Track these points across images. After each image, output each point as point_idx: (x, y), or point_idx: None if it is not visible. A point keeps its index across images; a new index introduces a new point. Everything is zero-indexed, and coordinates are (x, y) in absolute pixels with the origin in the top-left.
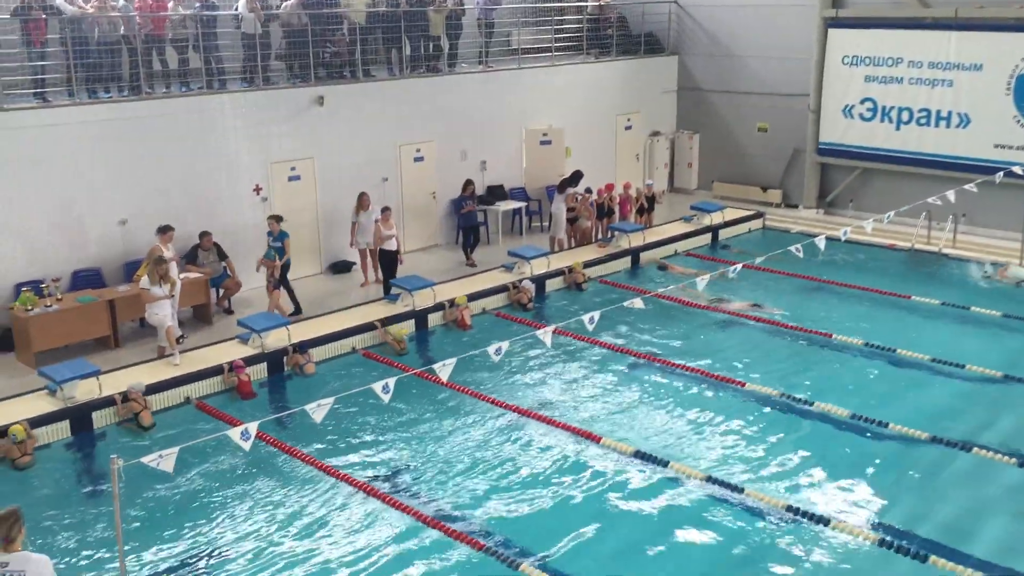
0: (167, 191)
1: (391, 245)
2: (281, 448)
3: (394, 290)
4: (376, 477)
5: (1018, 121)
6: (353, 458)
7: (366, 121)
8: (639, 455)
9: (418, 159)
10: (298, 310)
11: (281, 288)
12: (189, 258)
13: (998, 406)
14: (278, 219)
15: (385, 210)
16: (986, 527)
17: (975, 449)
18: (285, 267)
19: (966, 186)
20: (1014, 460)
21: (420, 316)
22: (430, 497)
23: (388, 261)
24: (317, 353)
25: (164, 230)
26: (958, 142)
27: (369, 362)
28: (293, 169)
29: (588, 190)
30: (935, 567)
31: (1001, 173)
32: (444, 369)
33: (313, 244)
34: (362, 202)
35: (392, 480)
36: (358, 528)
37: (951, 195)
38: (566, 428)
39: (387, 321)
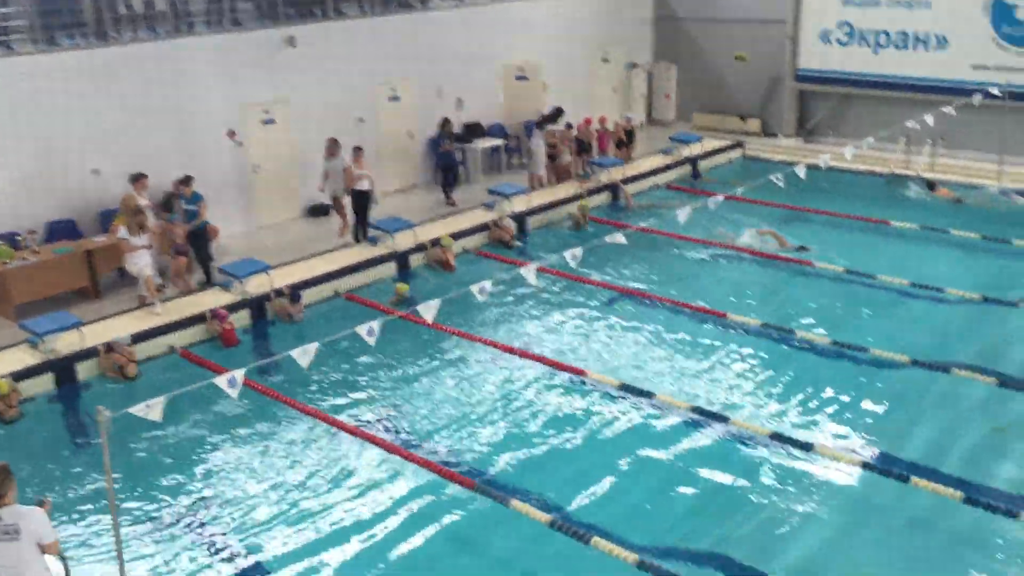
0: (139, 139)
1: (364, 186)
2: (269, 394)
3: (373, 232)
4: (365, 420)
5: (995, 41)
6: (341, 402)
7: (339, 61)
8: (625, 388)
9: (394, 98)
10: (208, 281)
11: (188, 256)
12: (165, 206)
13: (977, 328)
14: (187, 181)
15: (357, 150)
16: (964, 446)
17: (954, 370)
18: (201, 233)
19: (944, 109)
20: (993, 379)
21: (402, 258)
22: (419, 438)
23: (361, 203)
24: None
25: (137, 178)
26: (936, 64)
27: (353, 305)
28: (267, 112)
29: (568, 125)
30: (916, 487)
31: (979, 94)
32: (428, 310)
33: (290, 188)
34: (330, 149)
35: (382, 422)
36: (350, 471)
37: (929, 118)
38: (552, 364)
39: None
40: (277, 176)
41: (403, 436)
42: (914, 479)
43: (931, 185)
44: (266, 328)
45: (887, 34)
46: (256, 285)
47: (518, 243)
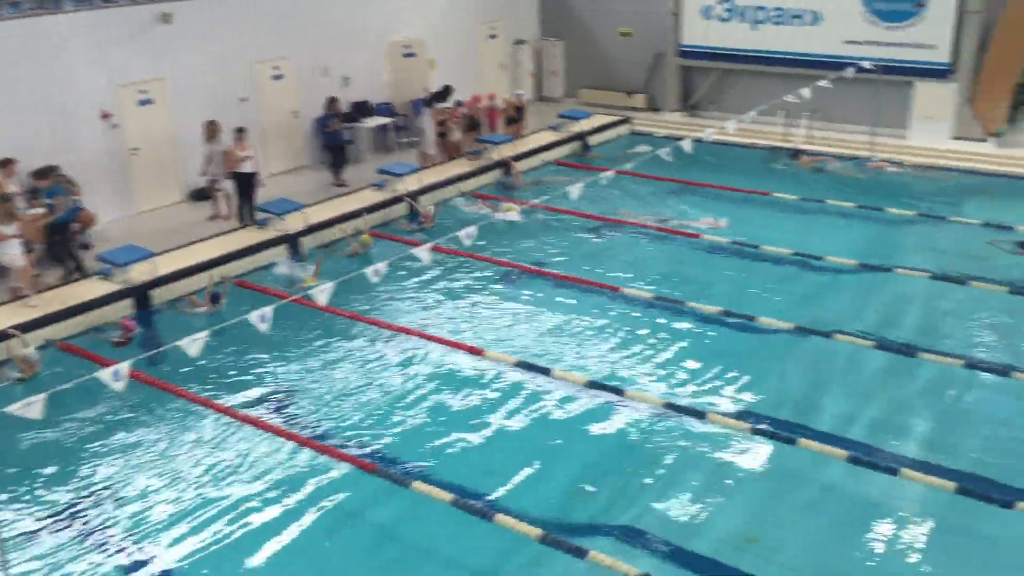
0: (6, 122)
1: (247, 168)
2: (159, 386)
3: (260, 215)
4: (259, 407)
5: (865, 17)
6: (237, 391)
7: (219, 38)
8: (522, 365)
9: (277, 77)
10: (79, 269)
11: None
12: (35, 193)
13: (854, 294)
14: (43, 173)
15: (240, 131)
16: (845, 406)
17: (836, 335)
18: (62, 227)
19: (819, 83)
20: (872, 343)
21: (293, 240)
22: (315, 423)
23: (245, 185)
24: (184, 285)
25: (4, 164)
26: (811, 39)
27: (243, 291)
28: (143, 92)
29: (458, 103)
30: (802, 448)
31: (851, 68)
32: (323, 293)
33: (171, 171)
34: (209, 131)
35: (277, 410)
36: (249, 462)
37: (806, 92)
38: (450, 343)
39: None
40: (157, 159)
41: (302, 423)
42: (802, 441)
43: (794, 154)
44: (151, 317)
45: (764, 10)
46: (139, 273)
47: (415, 226)
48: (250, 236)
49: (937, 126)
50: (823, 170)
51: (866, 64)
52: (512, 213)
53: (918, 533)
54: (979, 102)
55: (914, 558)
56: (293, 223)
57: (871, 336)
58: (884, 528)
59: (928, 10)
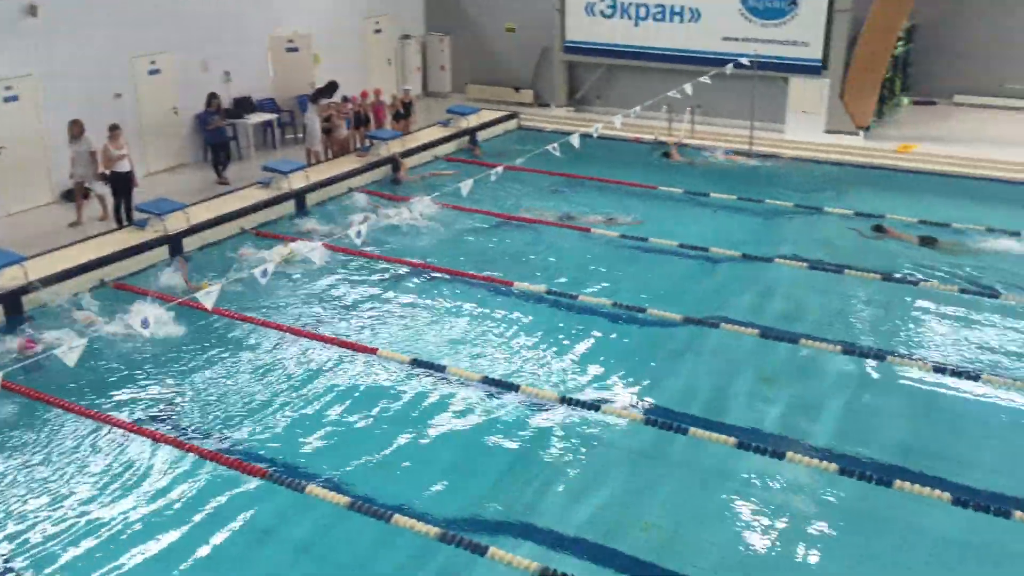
0: None
1: (123, 166)
2: (34, 397)
3: (139, 216)
4: (147, 416)
5: (742, 14)
6: (119, 399)
7: (91, 31)
8: (416, 363)
9: (154, 71)
10: None
11: None
12: None
13: (739, 283)
14: None
15: (113, 128)
16: (734, 395)
17: (723, 325)
18: None
19: (700, 78)
20: (756, 331)
21: (175, 241)
22: (203, 430)
23: (121, 184)
24: (61, 288)
25: None
26: (691, 36)
27: (123, 294)
28: (9, 88)
29: (344, 98)
30: (694, 437)
31: (731, 64)
32: (209, 296)
33: (41, 170)
34: (73, 130)
35: (162, 418)
36: (136, 473)
37: (688, 88)
38: (342, 344)
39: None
40: (25, 158)
41: (190, 430)
42: (692, 430)
43: (666, 154)
44: (23, 324)
45: (646, 7)
46: (9, 278)
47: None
48: (129, 237)
49: (811, 120)
50: (693, 163)
51: (744, 60)
52: (405, 210)
53: (805, 515)
54: (849, 97)
55: (802, 540)
56: (174, 223)
57: (756, 325)
58: (773, 510)
59: (801, 8)
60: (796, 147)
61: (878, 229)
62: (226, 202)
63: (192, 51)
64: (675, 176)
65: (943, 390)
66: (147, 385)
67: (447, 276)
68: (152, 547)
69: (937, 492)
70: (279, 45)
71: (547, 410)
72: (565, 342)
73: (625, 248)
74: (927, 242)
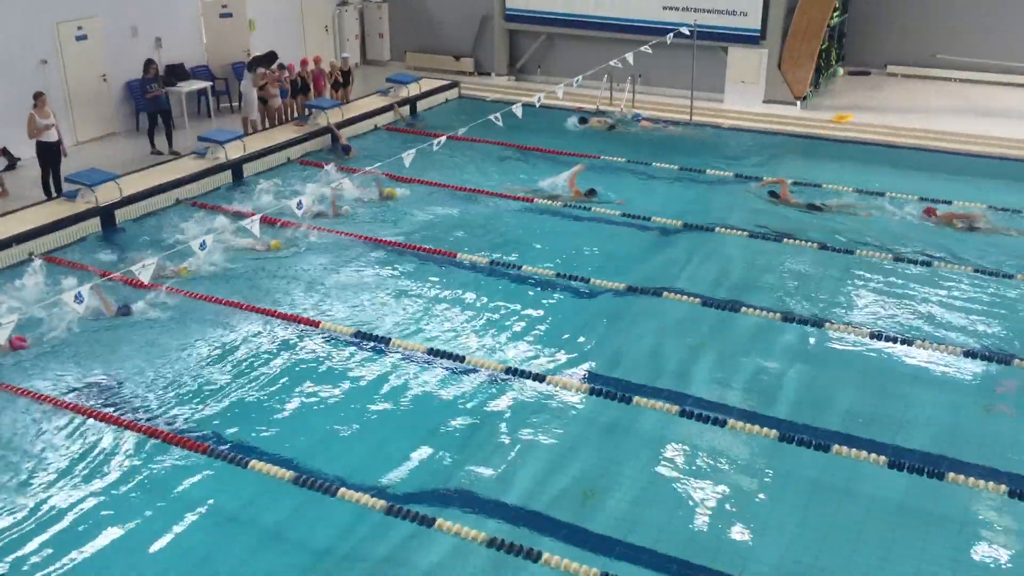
0: None
1: (51, 136)
2: None
3: (68, 186)
4: (86, 396)
5: None
6: (55, 379)
7: None
8: (360, 335)
9: (81, 38)
10: None
11: None
12: None
13: (679, 253)
14: None
15: (38, 96)
16: (675, 362)
17: (665, 294)
18: None
19: (642, 48)
20: (698, 300)
21: (106, 213)
22: (146, 409)
23: (50, 155)
24: None
25: None
26: (632, 5)
27: (53, 267)
28: None
29: (281, 66)
30: (638, 406)
31: (671, 34)
32: (145, 270)
33: None
34: None
35: (105, 397)
36: (77, 452)
37: (629, 57)
38: (283, 316)
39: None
40: None
41: (131, 409)
42: (636, 398)
43: (583, 119)
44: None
45: None
46: None
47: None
48: (58, 209)
49: (750, 90)
50: (614, 128)
51: (684, 30)
52: (347, 181)
53: (748, 481)
54: (787, 67)
55: (746, 505)
56: (106, 195)
57: (696, 294)
58: (715, 476)
59: None
60: (735, 116)
61: (773, 195)
62: (160, 172)
63: (121, 16)
64: (615, 145)
65: (875, 354)
66: (81, 363)
67: (385, 246)
68: (105, 536)
69: (874, 456)
70: (212, 10)
71: (491, 381)
72: (509, 312)
73: (567, 218)
74: (813, 207)
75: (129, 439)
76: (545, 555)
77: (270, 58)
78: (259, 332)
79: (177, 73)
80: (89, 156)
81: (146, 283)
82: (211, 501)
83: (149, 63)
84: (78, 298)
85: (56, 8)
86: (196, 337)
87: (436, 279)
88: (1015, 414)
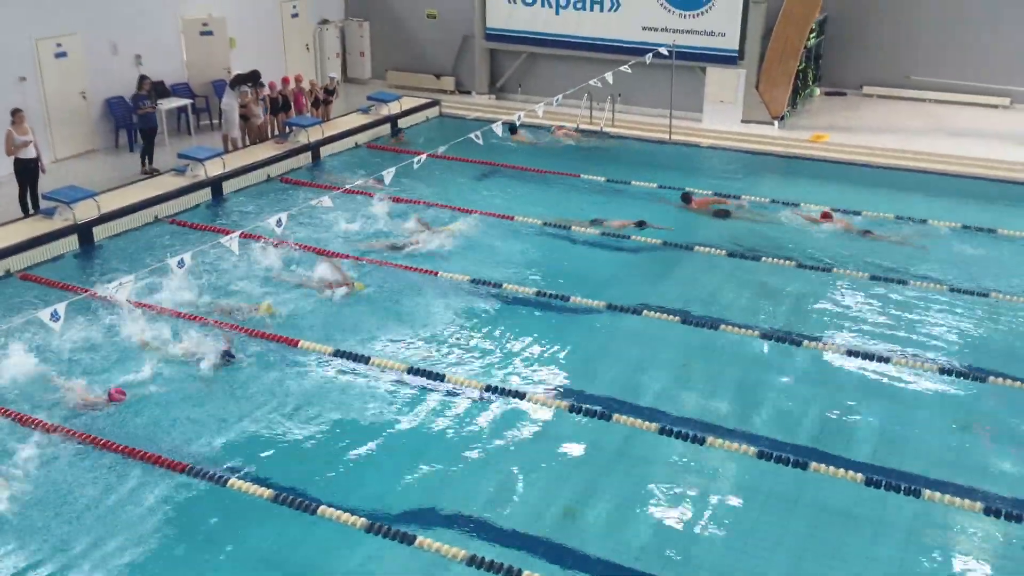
0: None
1: (29, 153)
2: None
3: (46, 203)
4: (68, 415)
5: (661, 5)
6: (38, 397)
7: None
8: (339, 354)
9: (60, 55)
10: None
11: None
12: None
13: (656, 272)
14: None
15: (16, 112)
16: (654, 380)
17: (645, 312)
18: None
19: (621, 67)
20: (677, 318)
21: (84, 231)
22: (126, 428)
23: (27, 171)
24: None
25: None
26: (611, 25)
27: (30, 285)
28: None
29: (260, 84)
30: (617, 423)
31: (650, 54)
32: (122, 288)
33: None
34: None
35: (85, 416)
36: (51, 472)
37: (609, 76)
38: (262, 336)
39: None
40: None
41: (108, 428)
42: (616, 416)
43: (512, 129)
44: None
45: None
46: None
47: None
48: (35, 226)
49: (728, 110)
50: (536, 143)
51: (663, 50)
52: (325, 199)
53: (727, 498)
54: (764, 87)
55: (725, 523)
56: (84, 212)
57: (676, 311)
58: (694, 494)
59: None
60: (714, 136)
61: (685, 199)
62: (139, 190)
63: (100, 33)
64: (596, 164)
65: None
66: (58, 380)
67: (366, 264)
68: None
69: (850, 473)
70: (193, 28)
71: (473, 398)
72: (491, 331)
73: (548, 236)
74: (720, 214)
75: (119, 463)
76: (526, 573)
77: (253, 76)
78: (240, 348)
79: (157, 90)
80: (68, 173)
81: (122, 301)
82: (181, 516)
83: (143, 79)
84: (54, 316)
85: (35, 25)
86: (167, 353)
87: (415, 297)
88: (993, 432)
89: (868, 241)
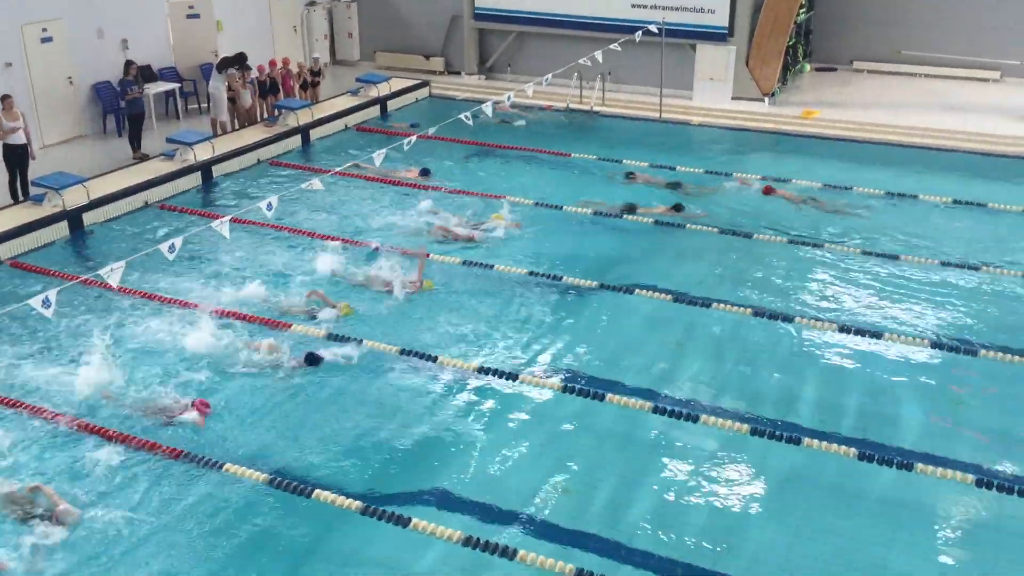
0: None
1: (18, 139)
2: None
3: (35, 190)
4: (56, 402)
5: None
6: (33, 385)
7: None
8: (331, 337)
9: (46, 40)
10: None
11: None
12: None
13: (652, 250)
14: None
15: (5, 98)
16: (640, 359)
17: (637, 291)
18: None
19: (611, 46)
20: (669, 296)
21: (74, 216)
22: (124, 416)
23: (16, 157)
24: None
25: None
26: (600, 3)
27: (21, 273)
28: None
29: (248, 67)
30: (610, 403)
31: (640, 32)
32: (113, 273)
33: None
34: None
35: (80, 402)
36: (48, 462)
37: (598, 55)
38: (249, 319)
39: None
40: None
41: (101, 413)
42: (609, 395)
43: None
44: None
45: None
46: None
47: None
48: (25, 213)
49: (718, 87)
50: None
51: (652, 28)
52: (316, 181)
53: (720, 474)
54: (754, 64)
55: (718, 499)
56: (73, 198)
57: (670, 291)
58: (688, 471)
59: None
60: (704, 113)
61: (629, 176)
62: (128, 175)
63: (86, 18)
64: (587, 143)
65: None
66: (51, 368)
67: (354, 247)
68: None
69: (843, 448)
70: (179, 11)
71: (465, 380)
72: (480, 312)
73: (540, 215)
74: (673, 186)
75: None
76: (521, 552)
77: (240, 59)
78: (228, 330)
79: (145, 75)
80: (56, 159)
81: (115, 286)
82: (169, 496)
83: (129, 64)
84: (45, 303)
85: (21, 10)
86: (149, 335)
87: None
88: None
89: (832, 214)
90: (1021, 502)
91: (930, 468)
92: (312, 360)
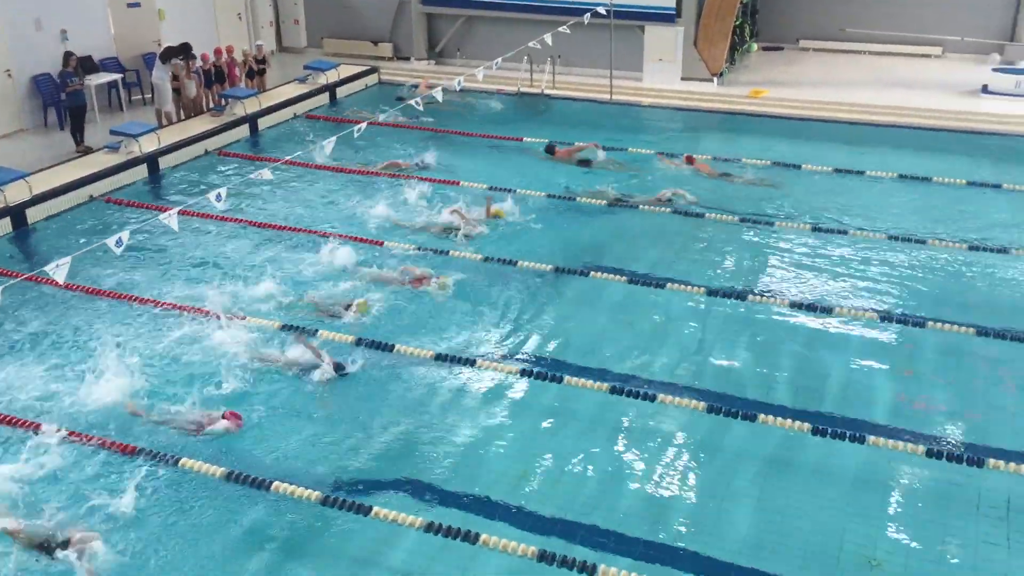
0: None
1: None
2: None
3: None
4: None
5: None
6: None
7: None
8: (285, 328)
9: None
10: None
11: None
12: None
13: (617, 235)
14: None
15: None
16: (605, 341)
17: (593, 273)
18: None
19: (560, 28)
20: (625, 278)
21: (16, 213)
22: (68, 412)
23: None
24: None
25: None
26: None
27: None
28: None
29: (192, 56)
30: (570, 385)
31: (588, 14)
32: (59, 269)
33: None
34: None
35: (33, 404)
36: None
37: (548, 38)
38: (204, 312)
39: None
40: None
41: (47, 412)
42: (568, 378)
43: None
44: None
45: None
46: None
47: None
48: None
49: (668, 68)
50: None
51: (601, 10)
52: (266, 171)
53: (679, 453)
54: (702, 44)
55: (678, 477)
56: (15, 194)
57: (623, 271)
58: (647, 450)
59: None
60: (655, 94)
61: (549, 150)
62: (72, 169)
63: (23, 8)
64: (538, 127)
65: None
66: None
67: (318, 236)
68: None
69: (799, 424)
70: (119, 1)
71: (424, 367)
72: (452, 296)
73: (498, 202)
74: (583, 163)
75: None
76: (483, 536)
77: (184, 49)
78: (188, 328)
79: (86, 66)
80: None
81: (61, 283)
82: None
83: (68, 55)
84: None
85: None
86: (99, 330)
87: (364, 265)
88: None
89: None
90: (970, 471)
91: (881, 440)
92: (340, 369)
